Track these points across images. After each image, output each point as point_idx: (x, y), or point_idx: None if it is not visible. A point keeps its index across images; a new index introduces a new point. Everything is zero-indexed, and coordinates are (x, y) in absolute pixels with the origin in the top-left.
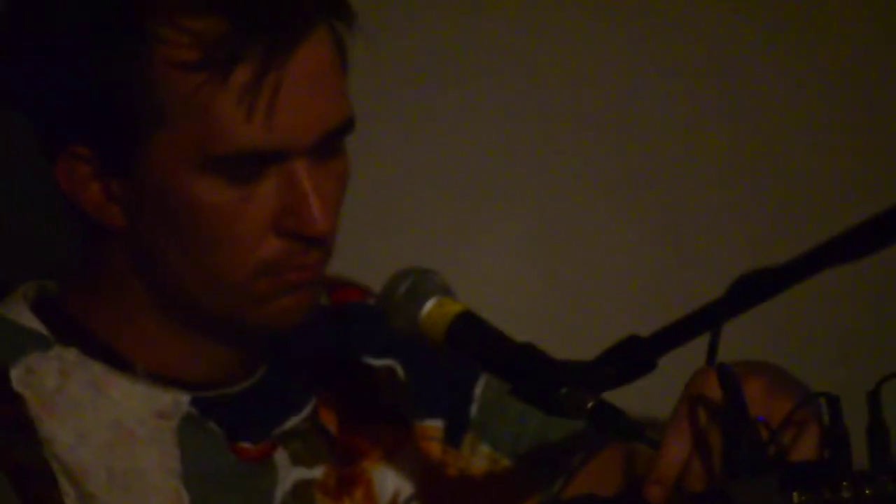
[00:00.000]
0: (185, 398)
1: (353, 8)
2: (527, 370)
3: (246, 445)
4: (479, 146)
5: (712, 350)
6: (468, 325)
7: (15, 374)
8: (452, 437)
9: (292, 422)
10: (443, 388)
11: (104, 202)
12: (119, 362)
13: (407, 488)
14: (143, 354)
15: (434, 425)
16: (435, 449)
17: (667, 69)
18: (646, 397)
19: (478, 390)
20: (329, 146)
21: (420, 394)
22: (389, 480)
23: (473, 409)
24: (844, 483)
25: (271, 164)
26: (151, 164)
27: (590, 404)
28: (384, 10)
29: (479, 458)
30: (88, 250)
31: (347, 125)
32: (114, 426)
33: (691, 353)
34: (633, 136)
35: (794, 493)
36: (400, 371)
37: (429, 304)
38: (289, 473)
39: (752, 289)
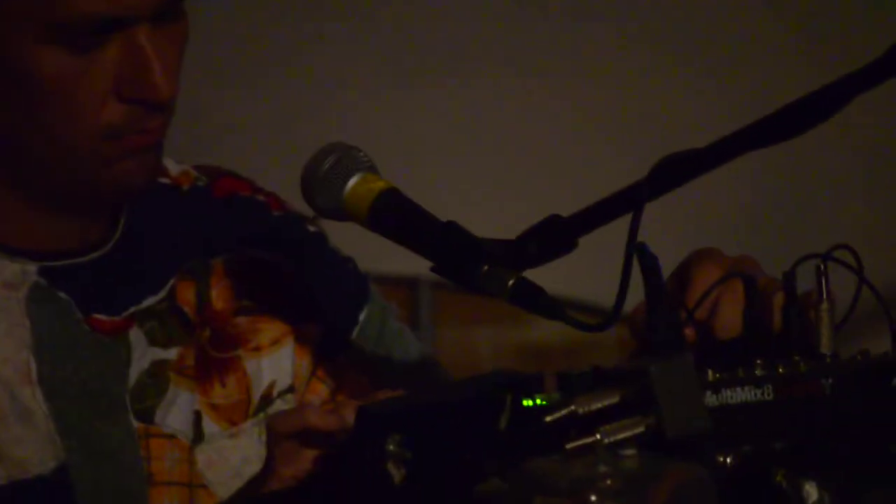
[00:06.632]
0: (32, 268)
1: None
2: (449, 247)
3: (101, 318)
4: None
5: (633, 230)
6: (392, 202)
7: None
8: (328, 349)
9: (149, 301)
10: (330, 297)
11: None
12: None
13: (283, 381)
14: None
15: (309, 331)
16: (308, 352)
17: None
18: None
19: (362, 316)
20: (170, 11)
21: (303, 294)
22: (266, 371)
23: (355, 331)
24: (758, 361)
25: (113, 32)
26: None
27: (511, 282)
28: None
29: (351, 383)
30: None
31: None
32: None
33: (613, 234)
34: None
35: (709, 371)
36: (287, 267)
37: (353, 180)
38: (144, 353)
39: (674, 170)
